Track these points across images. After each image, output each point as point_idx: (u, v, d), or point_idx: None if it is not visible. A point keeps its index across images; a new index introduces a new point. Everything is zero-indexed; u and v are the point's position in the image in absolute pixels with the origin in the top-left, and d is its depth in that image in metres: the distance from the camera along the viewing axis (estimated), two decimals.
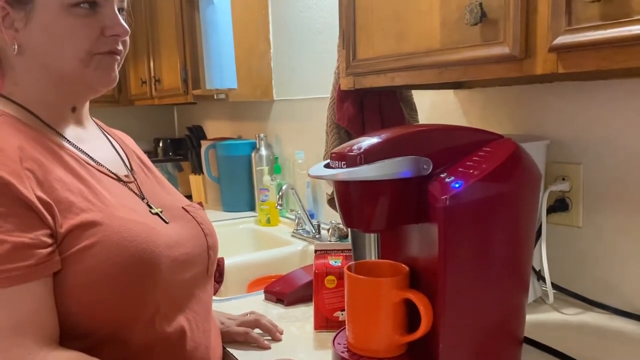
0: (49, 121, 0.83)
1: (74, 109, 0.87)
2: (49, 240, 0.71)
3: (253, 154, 2.17)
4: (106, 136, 0.95)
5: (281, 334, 1.06)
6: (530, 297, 1.14)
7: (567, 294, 1.15)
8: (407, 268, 0.84)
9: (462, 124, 1.29)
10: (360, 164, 0.77)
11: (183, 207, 0.93)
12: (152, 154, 2.97)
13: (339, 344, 0.92)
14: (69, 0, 0.78)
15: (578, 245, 1.14)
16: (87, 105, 0.90)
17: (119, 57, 0.84)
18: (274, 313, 1.17)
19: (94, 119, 0.95)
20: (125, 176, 0.89)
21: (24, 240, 0.69)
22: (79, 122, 0.88)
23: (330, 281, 1.06)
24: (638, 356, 0.92)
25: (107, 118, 1.06)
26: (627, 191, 1.05)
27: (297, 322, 1.13)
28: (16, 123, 0.79)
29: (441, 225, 0.76)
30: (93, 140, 0.90)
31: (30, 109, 0.82)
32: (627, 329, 1.02)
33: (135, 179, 0.90)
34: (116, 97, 2.80)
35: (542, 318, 1.08)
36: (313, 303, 1.07)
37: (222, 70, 1.99)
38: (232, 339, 1.03)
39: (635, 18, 0.65)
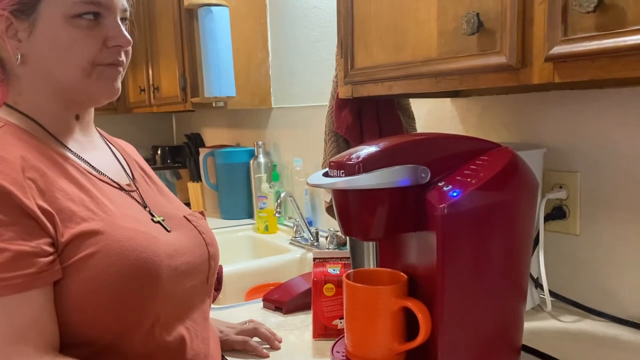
0: (52, 130, 0.83)
1: (77, 117, 0.87)
2: (50, 249, 0.71)
3: (251, 162, 2.18)
4: (108, 145, 0.95)
5: (280, 342, 1.06)
6: (528, 305, 1.14)
7: (565, 302, 1.15)
8: (405, 276, 0.85)
9: (459, 132, 1.30)
10: (359, 172, 0.78)
11: (185, 216, 0.93)
12: (150, 162, 2.97)
13: (337, 352, 0.92)
14: (71, 11, 0.79)
15: (575, 253, 1.15)
16: (91, 112, 0.91)
17: (121, 69, 0.85)
18: (272, 321, 1.18)
19: (97, 128, 0.95)
20: (127, 185, 0.89)
21: (25, 249, 0.69)
22: (83, 130, 0.89)
23: (328, 289, 1.06)
24: None
25: (106, 125, 1.07)
26: (624, 199, 1.05)
27: (295, 330, 1.13)
28: (19, 132, 0.79)
29: (439, 233, 0.76)
30: (95, 149, 0.90)
31: (34, 118, 0.83)
32: (624, 336, 1.02)
33: (137, 188, 0.91)
34: (115, 104, 2.80)
35: (540, 325, 1.08)
36: (312, 311, 1.07)
37: (220, 78, 2.00)
38: (230, 347, 1.03)
39: (630, 29, 0.65)
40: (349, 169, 0.79)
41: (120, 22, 0.83)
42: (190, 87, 2.15)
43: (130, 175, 0.93)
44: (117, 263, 0.74)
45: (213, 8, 1.95)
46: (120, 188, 0.87)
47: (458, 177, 0.80)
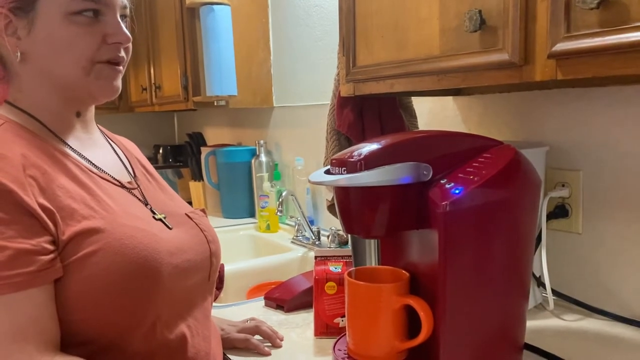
0: (53, 127, 0.83)
1: (78, 114, 0.87)
2: (51, 247, 0.71)
3: (253, 161, 2.18)
4: (109, 143, 0.95)
5: (281, 340, 1.06)
6: (531, 304, 1.14)
7: (567, 300, 1.15)
8: (407, 274, 0.84)
9: (461, 131, 1.30)
10: (361, 170, 0.78)
11: (186, 214, 0.93)
12: (152, 161, 2.94)
13: (339, 350, 0.92)
14: (70, 8, 0.79)
15: (578, 252, 1.15)
16: (92, 110, 0.91)
17: (121, 68, 0.85)
18: (274, 319, 1.17)
19: (98, 125, 0.95)
20: (129, 182, 0.89)
21: (25, 247, 0.69)
22: (84, 127, 0.89)
23: (330, 287, 1.06)
24: None
25: (108, 124, 1.06)
26: (627, 197, 1.05)
27: (297, 328, 1.13)
28: (20, 130, 0.79)
29: (441, 231, 0.76)
30: (96, 147, 0.90)
31: (34, 115, 0.82)
32: (627, 335, 1.02)
33: (139, 185, 0.91)
34: (116, 103, 2.81)
35: (543, 324, 1.08)
36: (313, 309, 1.07)
37: (222, 77, 2.00)
38: (232, 345, 1.03)
39: (633, 25, 0.65)
40: (351, 167, 0.79)
41: (119, 19, 0.83)
42: (192, 86, 2.15)
43: (132, 173, 0.93)
44: (118, 261, 0.74)
45: (215, 7, 1.95)
46: (122, 186, 0.87)
47: (460, 175, 0.79)
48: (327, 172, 0.83)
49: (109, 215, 0.78)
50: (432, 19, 0.93)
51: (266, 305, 1.27)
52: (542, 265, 1.11)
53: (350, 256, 1.10)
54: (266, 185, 2.06)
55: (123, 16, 0.85)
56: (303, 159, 2.01)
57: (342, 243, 1.69)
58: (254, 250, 2.08)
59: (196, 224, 0.92)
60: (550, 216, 1.16)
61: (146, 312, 0.78)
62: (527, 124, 1.22)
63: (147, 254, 0.77)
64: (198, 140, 2.71)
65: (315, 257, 1.12)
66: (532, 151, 1.05)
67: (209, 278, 0.91)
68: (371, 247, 1.04)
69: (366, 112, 1.30)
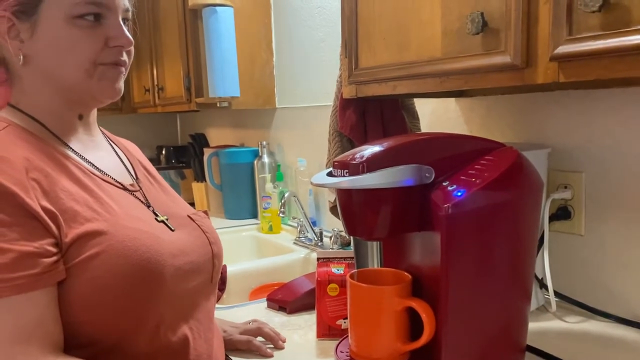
0: (55, 130, 0.83)
1: (80, 117, 0.87)
2: (54, 250, 0.72)
3: (255, 162, 2.18)
4: (111, 145, 0.95)
5: (284, 342, 1.06)
6: (533, 305, 1.14)
7: (570, 302, 1.15)
8: (409, 276, 0.85)
9: (463, 133, 1.30)
10: (363, 172, 0.78)
11: (188, 216, 0.93)
12: (155, 162, 2.96)
13: (341, 352, 0.92)
14: (73, 12, 0.79)
15: (580, 253, 1.14)
16: (94, 112, 0.91)
17: (123, 69, 0.85)
18: (276, 321, 1.18)
19: (100, 127, 0.96)
20: (131, 185, 0.89)
21: (28, 249, 0.69)
22: (86, 130, 0.89)
23: (332, 289, 1.06)
24: None
25: (110, 126, 1.07)
26: (629, 199, 1.05)
27: (299, 330, 1.13)
28: (22, 133, 0.79)
29: (443, 233, 0.76)
30: (99, 150, 0.90)
31: (37, 118, 0.83)
32: (629, 337, 1.01)
33: (141, 188, 0.91)
34: (119, 105, 2.81)
35: (545, 326, 1.08)
36: (315, 311, 1.07)
37: (225, 79, 2.00)
38: (234, 347, 1.03)
39: (635, 28, 0.65)
40: (353, 169, 0.79)
41: (121, 23, 0.84)
42: (195, 88, 2.16)
43: (134, 175, 0.93)
44: (120, 263, 0.74)
45: (217, 8, 1.96)
46: (124, 188, 0.87)
47: (462, 177, 0.79)
48: (330, 174, 0.84)
49: (111, 218, 0.78)
50: (435, 21, 0.93)
51: (268, 306, 1.27)
52: (544, 267, 1.11)
53: (352, 258, 1.10)
54: (269, 186, 2.06)
55: (125, 19, 0.85)
56: (305, 160, 2.01)
57: (345, 244, 1.69)
58: (257, 251, 2.08)
59: (198, 226, 0.92)
60: (552, 218, 1.16)
61: (149, 314, 0.78)
62: (529, 126, 1.22)
63: (150, 256, 0.77)
64: (201, 141, 2.72)
65: (318, 259, 1.12)
66: (534, 153, 1.05)
67: (212, 280, 0.91)
68: (373, 249, 1.04)
69: (368, 113, 1.30)
